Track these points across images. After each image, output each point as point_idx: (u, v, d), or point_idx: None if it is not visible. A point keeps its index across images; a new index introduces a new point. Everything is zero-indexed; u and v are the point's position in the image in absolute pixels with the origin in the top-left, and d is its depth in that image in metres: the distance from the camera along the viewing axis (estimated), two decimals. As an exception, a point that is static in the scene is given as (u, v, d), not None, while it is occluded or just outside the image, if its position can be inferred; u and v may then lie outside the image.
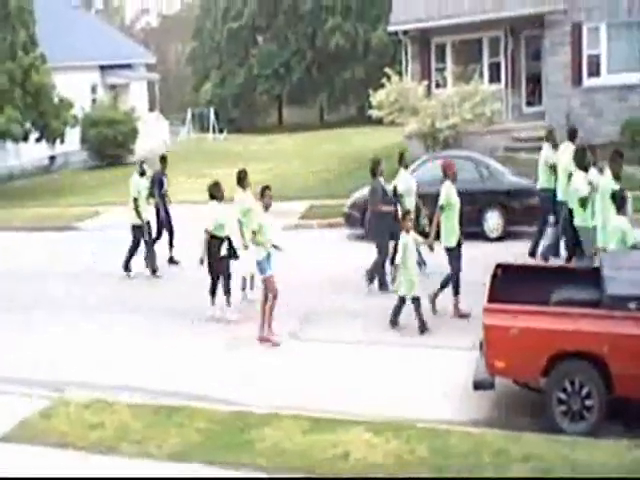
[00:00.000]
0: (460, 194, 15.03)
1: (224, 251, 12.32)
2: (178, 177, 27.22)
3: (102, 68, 36.45)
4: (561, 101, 23.32)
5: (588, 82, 23.22)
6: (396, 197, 13.69)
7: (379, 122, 25.56)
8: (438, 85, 25.20)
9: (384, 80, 24.29)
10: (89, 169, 32.62)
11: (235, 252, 12.54)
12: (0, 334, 12.06)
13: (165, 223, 15.90)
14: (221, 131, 42.32)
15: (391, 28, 25.60)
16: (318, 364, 10.30)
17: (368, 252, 13.49)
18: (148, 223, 15.27)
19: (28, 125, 26.22)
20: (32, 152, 29.70)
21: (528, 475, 6.89)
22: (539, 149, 14.81)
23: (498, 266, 9.39)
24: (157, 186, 15.65)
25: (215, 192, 12.35)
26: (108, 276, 15.30)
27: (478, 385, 8.50)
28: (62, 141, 27.83)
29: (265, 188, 11.21)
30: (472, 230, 15.93)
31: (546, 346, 8.05)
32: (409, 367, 10.00)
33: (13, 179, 30.66)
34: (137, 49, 41.87)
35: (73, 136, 29.90)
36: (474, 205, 15.94)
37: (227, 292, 12.42)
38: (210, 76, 56.90)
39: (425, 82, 24.13)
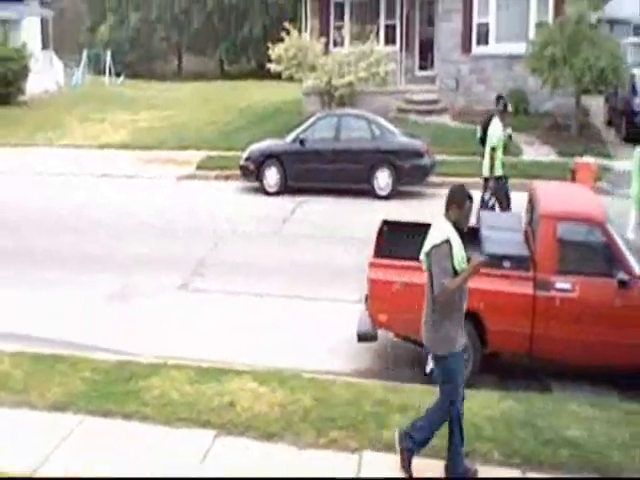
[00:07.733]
0: (352, 152, 15.32)
1: None
2: (71, 121, 26.46)
3: (-9, 2, 34.55)
4: (451, 67, 23.79)
5: (477, 50, 23.69)
6: None
7: (278, 76, 25.46)
8: (336, 43, 25.32)
9: (284, 35, 24.19)
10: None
11: None
12: None
13: None
14: (118, 75, 40.99)
15: (291, -17, 25.59)
16: (205, 315, 10.37)
17: (260, 204, 13.49)
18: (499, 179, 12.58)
19: None
20: None
21: (405, 422, 7.22)
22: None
23: (384, 223, 9.63)
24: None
25: None
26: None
27: (361, 337, 8.76)
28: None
29: None
30: (363, 188, 16.34)
31: (426, 301, 8.37)
32: (295, 318, 10.22)
33: None
34: (29, -16, 39.77)
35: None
36: (365, 163, 16.28)
37: None
38: (107, 17, 54.91)
39: (323, 39, 24.22)
